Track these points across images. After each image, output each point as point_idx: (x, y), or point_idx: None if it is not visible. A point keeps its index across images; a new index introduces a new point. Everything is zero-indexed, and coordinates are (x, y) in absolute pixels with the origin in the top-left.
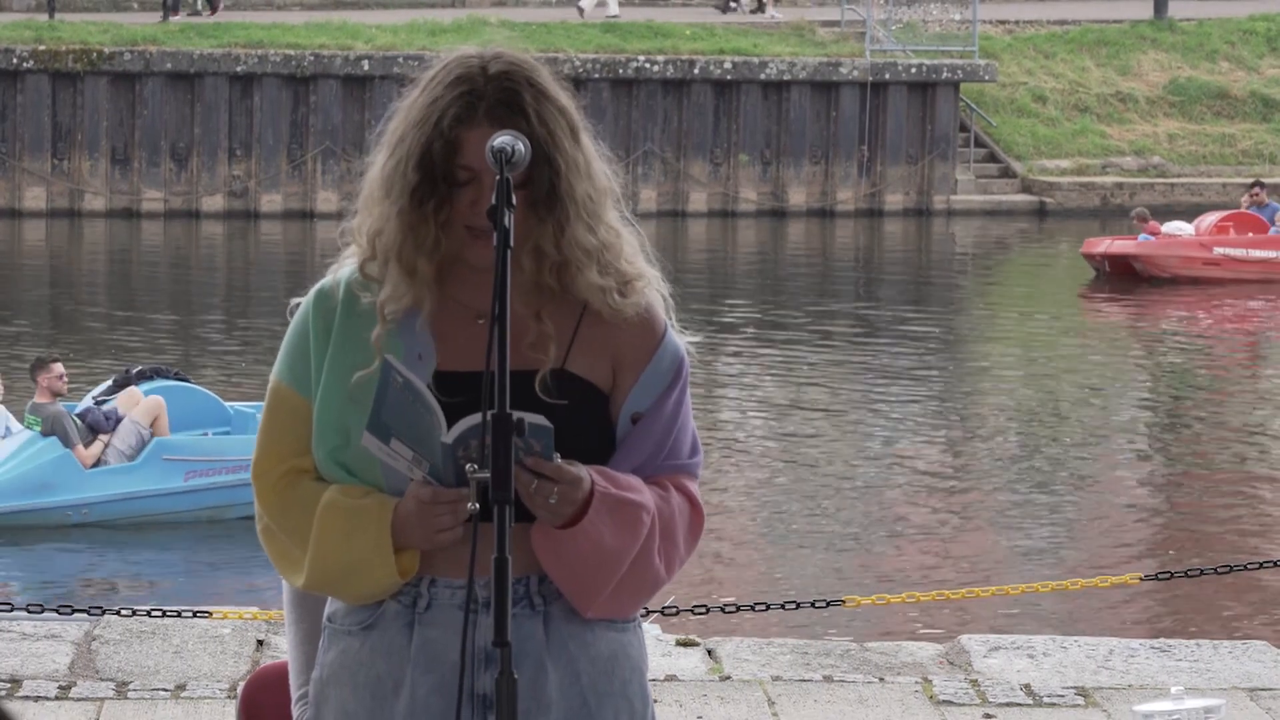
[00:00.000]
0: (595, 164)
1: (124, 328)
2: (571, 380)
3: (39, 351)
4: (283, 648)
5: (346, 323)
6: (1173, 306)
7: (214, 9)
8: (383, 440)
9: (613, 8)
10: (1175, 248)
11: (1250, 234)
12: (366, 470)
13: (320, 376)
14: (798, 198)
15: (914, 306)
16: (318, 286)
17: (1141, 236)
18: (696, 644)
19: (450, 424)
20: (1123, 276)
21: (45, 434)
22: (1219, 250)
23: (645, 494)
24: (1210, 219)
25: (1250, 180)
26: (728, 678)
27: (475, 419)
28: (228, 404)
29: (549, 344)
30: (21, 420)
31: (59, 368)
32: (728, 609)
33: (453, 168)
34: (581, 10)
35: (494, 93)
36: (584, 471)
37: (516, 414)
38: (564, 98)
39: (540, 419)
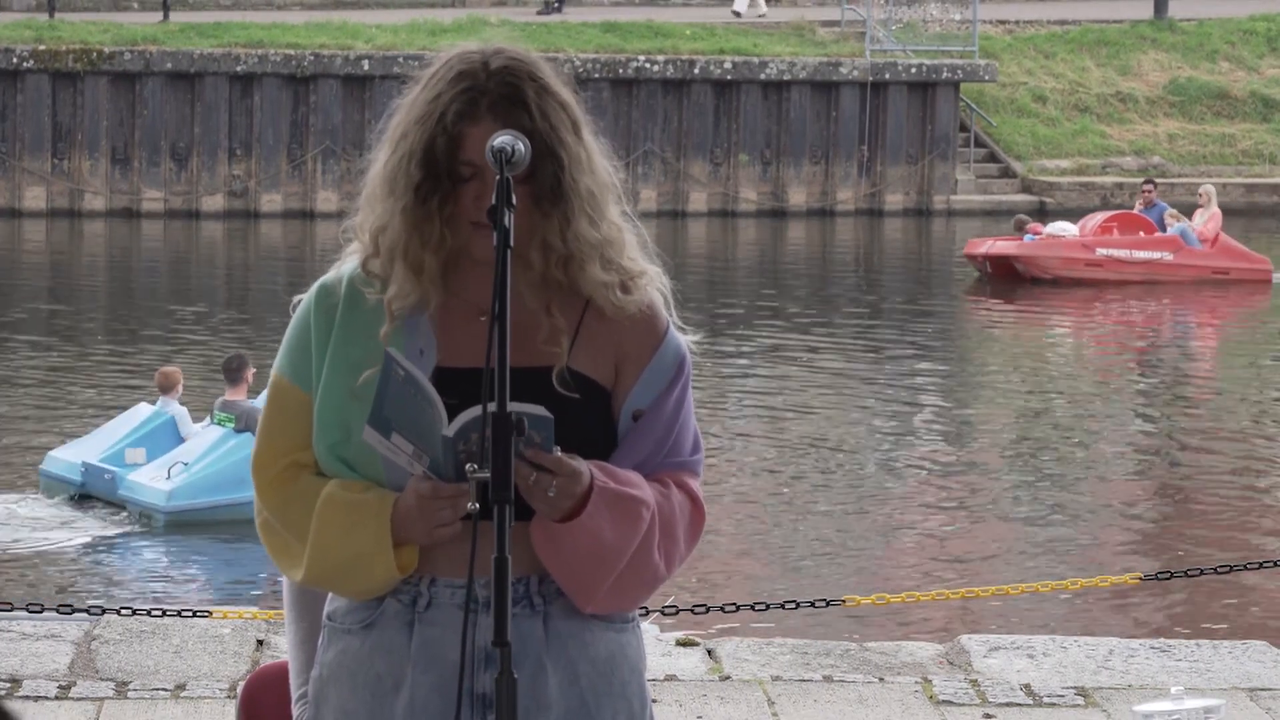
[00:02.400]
0: (598, 159)
1: (123, 328)
2: (574, 377)
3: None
4: (283, 647)
5: (349, 318)
6: (1151, 305)
7: None
8: (383, 434)
9: (762, 6)
10: (1057, 249)
11: (1135, 234)
12: (367, 465)
13: (321, 371)
14: (798, 198)
15: (914, 307)
16: (320, 282)
17: (1028, 237)
18: (696, 644)
19: (451, 418)
20: (1004, 278)
21: (239, 430)
22: (1101, 251)
23: (645, 489)
24: (1095, 220)
25: (1146, 181)
26: (728, 678)
27: (476, 411)
28: None
29: (561, 337)
30: (203, 418)
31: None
32: (728, 609)
33: (456, 163)
34: (738, 13)
35: (496, 88)
36: (583, 465)
37: (516, 413)
38: (565, 92)
39: (541, 410)
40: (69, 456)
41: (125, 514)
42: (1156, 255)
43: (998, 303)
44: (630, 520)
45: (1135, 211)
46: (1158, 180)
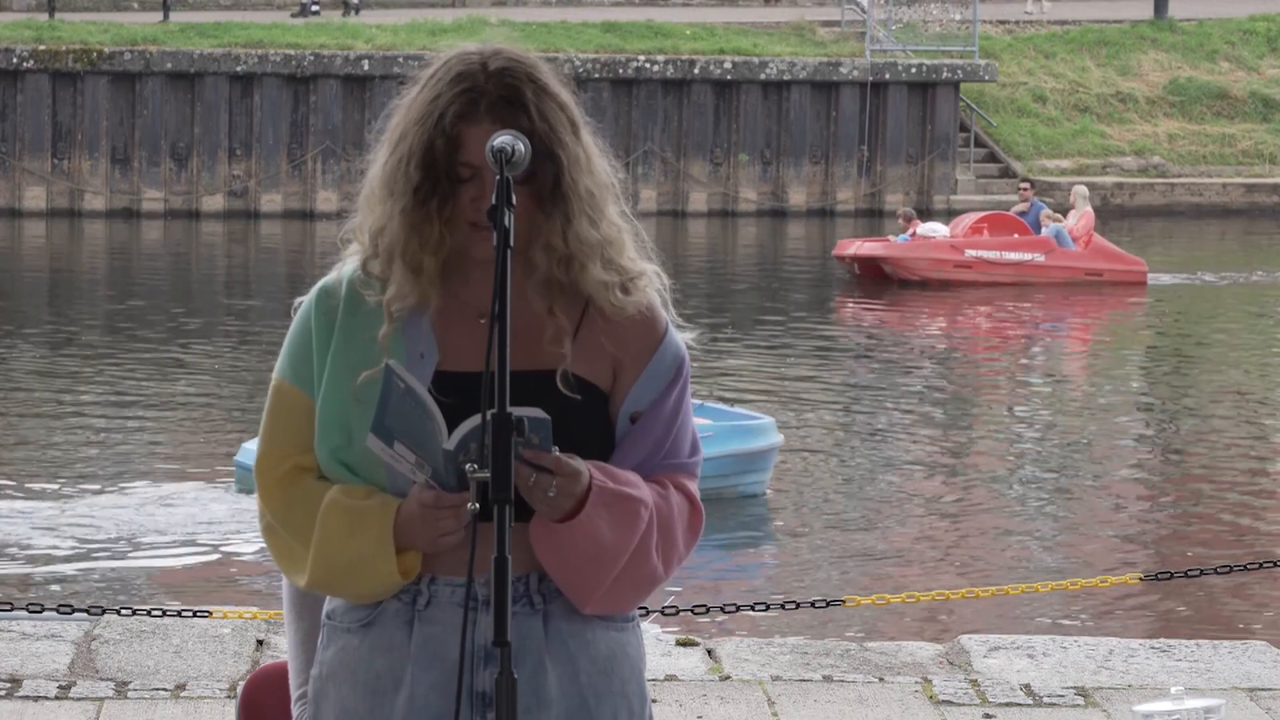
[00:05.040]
0: (596, 160)
1: (124, 327)
2: (572, 380)
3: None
4: (283, 647)
5: (349, 321)
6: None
7: None
8: (386, 443)
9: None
10: (926, 250)
11: (1007, 235)
12: (369, 469)
13: (322, 374)
14: (798, 198)
15: (913, 306)
16: (320, 284)
17: (901, 237)
18: (696, 644)
19: (451, 428)
20: (874, 279)
21: None
22: (971, 253)
23: (643, 490)
24: (967, 220)
25: (1022, 180)
26: (728, 678)
27: (475, 422)
28: None
29: (565, 338)
30: None
31: None
32: (728, 609)
33: (455, 165)
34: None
35: (495, 89)
36: (582, 465)
37: (516, 414)
38: (564, 93)
39: (538, 412)
40: None
41: None
42: (1028, 257)
43: (983, 303)
44: (629, 520)
45: (1011, 213)
46: (1157, 180)
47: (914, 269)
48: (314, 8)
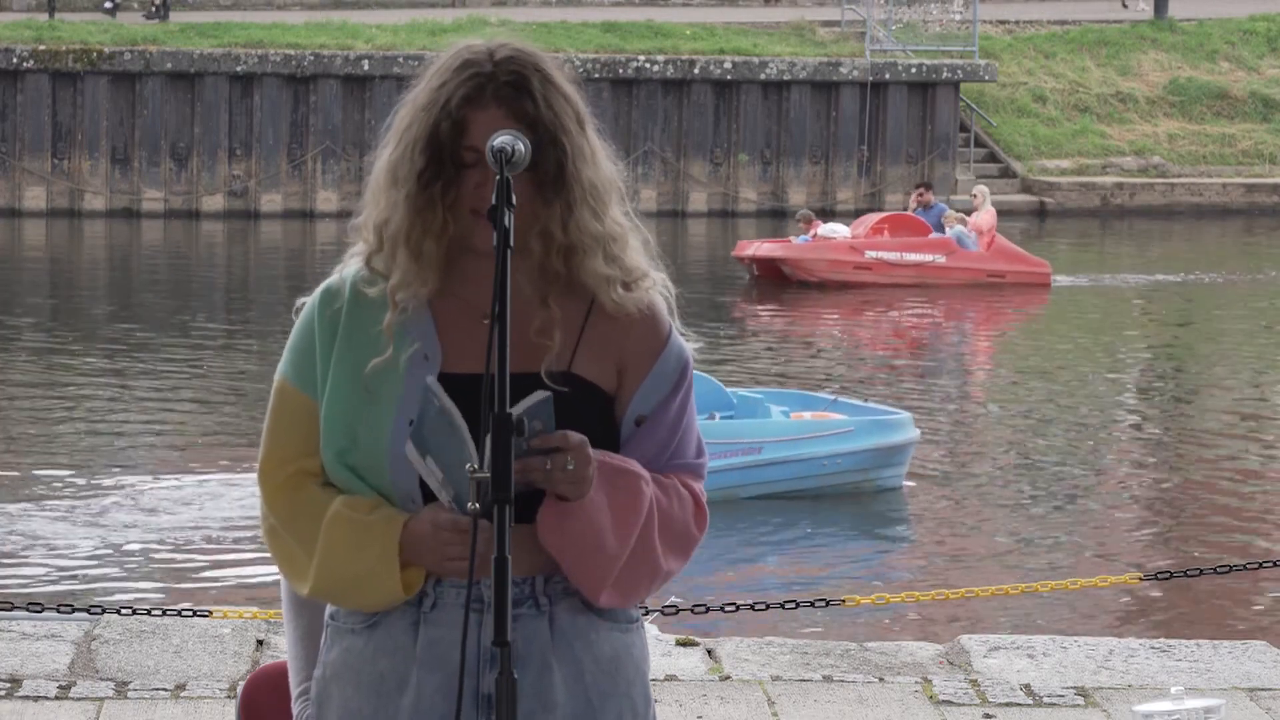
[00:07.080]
0: (601, 156)
1: (124, 327)
2: (576, 382)
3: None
4: (283, 647)
5: (353, 321)
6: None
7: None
8: (421, 455)
9: None
10: (825, 251)
11: (906, 236)
12: (374, 472)
13: (327, 376)
14: (798, 198)
15: (912, 305)
16: (323, 285)
17: (801, 238)
18: (696, 644)
19: (478, 444)
20: (773, 280)
21: None
22: (871, 254)
23: (639, 467)
24: (868, 221)
25: (919, 184)
26: (728, 678)
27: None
28: (729, 390)
29: (554, 330)
30: None
31: None
32: (728, 609)
33: (459, 149)
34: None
35: (502, 75)
36: (582, 435)
37: (517, 415)
38: (570, 87)
39: (539, 394)
40: None
41: None
42: (928, 258)
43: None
44: (632, 493)
45: (909, 213)
46: (1157, 180)
47: (812, 270)
48: (161, 11)
